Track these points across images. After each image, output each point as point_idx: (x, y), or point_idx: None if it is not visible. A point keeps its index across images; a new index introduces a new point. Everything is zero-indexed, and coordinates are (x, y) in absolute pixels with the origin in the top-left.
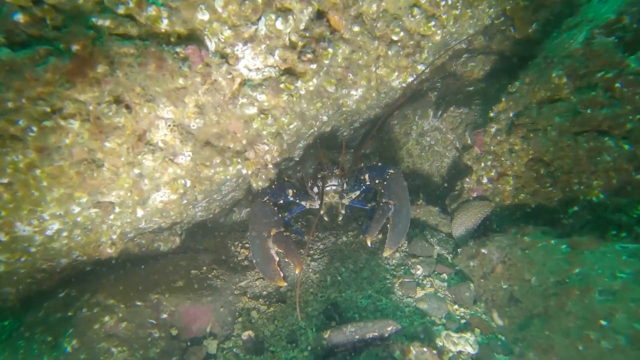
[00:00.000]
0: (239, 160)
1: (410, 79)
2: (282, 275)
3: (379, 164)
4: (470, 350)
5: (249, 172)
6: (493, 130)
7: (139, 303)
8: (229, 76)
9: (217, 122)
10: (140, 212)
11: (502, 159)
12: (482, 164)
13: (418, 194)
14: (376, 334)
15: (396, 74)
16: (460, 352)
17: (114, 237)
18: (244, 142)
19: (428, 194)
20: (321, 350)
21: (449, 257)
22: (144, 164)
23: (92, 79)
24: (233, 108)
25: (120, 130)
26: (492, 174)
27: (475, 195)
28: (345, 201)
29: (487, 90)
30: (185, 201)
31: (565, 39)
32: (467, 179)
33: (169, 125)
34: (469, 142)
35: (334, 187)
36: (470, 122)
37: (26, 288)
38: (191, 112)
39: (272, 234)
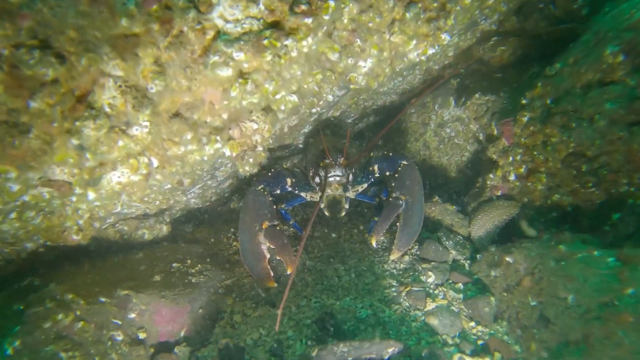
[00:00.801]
0: (219, 138)
1: (431, 51)
2: (272, 275)
3: (390, 154)
4: None
5: (233, 154)
6: (525, 119)
7: (103, 299)
8: (198, 26)
9: (189, 88)
10: (91, 195)
11: (535, 152)
12: (510, 158)
13: (433, 191)
14: (373, 356)
15: (414, 42)
16: None
17: (81, 222)
18: (225, 116)
19: (445, 191)
20: None
21: (465, 264)
22: (84, 132)
23: (1, 9)
24: (204, 69)
25: (51, 87)
26: (522, 170)
27: (499, 193)
28: (350, 194)
29: (518, 78)
30: (154, 184)
31: (625, 10)
32: (491, 175)
33: (119, 86)
34: (495, 132)
35: (338, 178)
36: (498, 110)
37: None
38: (148, 71)
39: (263, 227)
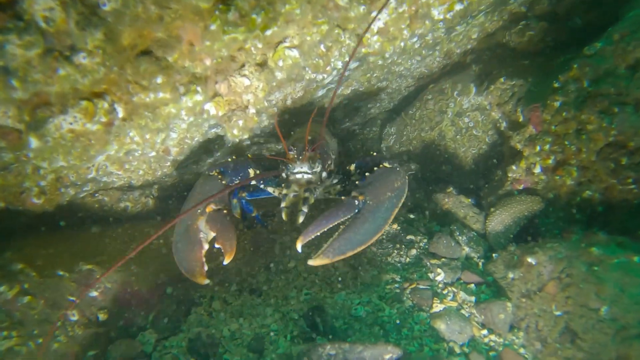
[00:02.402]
0: (199, 89)
1: (458, 7)
2: (205, 269)
3: (374, 154)
4: None
5: (219, 114)
6: (557, 104)
7: (61, 273)
8: None
9: (160, 18)
10: (34, 142)
11: (566, 142)
12: (537, 148)
13: (447, 183)
14: None
15: None
16: None
17: (43, 183)
18: (208, 62)
19: (459, 185)
20: None
21: (479, 263)
22: (7, 49)
23: None
24: None
25: None
26: (549, 161)
27: (521, 187)
28: (319, 195)
29: (547, 65)
30: (135, 149)
31: None
32: (514, 167)
33: None
34: (520, 119)
35: (305, 176)
36: (524, 95)
37: None
38: None
39: (207, 210)
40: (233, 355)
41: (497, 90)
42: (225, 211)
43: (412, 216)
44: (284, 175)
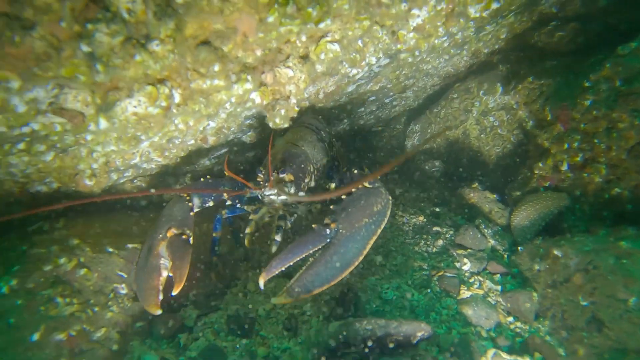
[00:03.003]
0: (250, 78)
1: (495, 5)
2: (159, 299)
3: (355, 172)
4: None
5: (264, 102)
6: (587, 102)
7: (110, 250)
8: None
9: (221, 10)
10: (103, 123)
11: (595, 140)
12: (565, 145)
13: (473, 178)
14: (400, 338)
15: None
16: None
17: (95, 166)
18: (259, 53)
19: (484, 182)
20: (323, 347)
21: (505, 255)
22: (96, 37)
23: None
24: None
25: None
26: (578, 158)
27: (547, 184)
28: (301, 212)
29: (576, 65)
30: (176, 136)
31: None
32: (540, 164)
33: None
34: (549, 117)
35: (274, 198)
36: (553, 94)
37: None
38: None
39: (168, 234)
40: (269, 333)
41: (525, 89)
42: (184, 236)
43: (437, 210)
44: (258, 195)
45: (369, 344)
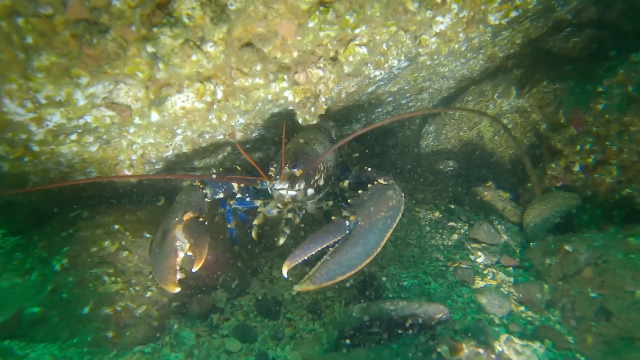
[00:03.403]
0: (286, 77)
1: (514, 13)
2: (177, 278)
3: (369, 169)
4: None
5: (296, 100)
6: (600, 106)
7: (147, 235)
8: None
9: (264, 16)
10: (154, 116)
11: (607, 142)
12: (578, 147)
13: (486, 178)
14: (420, 319)
15: (498, 1)
16: None
17: (134, 157)
18: (295, 54)
19: (497, 182)
20: (347, 327)
21: (517, 250)
22: (160, 39)
23: None
24: None
25: None
26: (589, 160)
27: (560, 184)
28: (310, 209)
29: (590, 71)
30: (208, 131)
31: None
32: (553, 165)
33: None
34: (562, 120)
35: (285, 192)
36: (567, 99)
37: (40, 201)
38: None
39: (185, 218)
40: (294, 315)
41: (539, 93)
42: (201, 219)
43: (452, 206)
44: (268, 189)
45: (393, 320)
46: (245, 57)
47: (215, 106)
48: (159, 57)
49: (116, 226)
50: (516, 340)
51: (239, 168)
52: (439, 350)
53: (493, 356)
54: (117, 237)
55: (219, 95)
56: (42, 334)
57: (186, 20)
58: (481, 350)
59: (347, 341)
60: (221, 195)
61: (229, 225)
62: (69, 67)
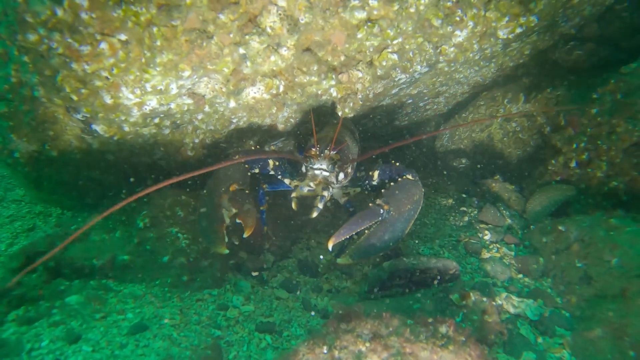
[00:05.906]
0: (334, 76)
1: (519, 30)
2: (225, 241)
3: (397, 164)
4: (530, 316)
5: (338, 96)
6: (594, 111)
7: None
8: None
9: (322, 28)
10: (232, 103)
11: (598, 141)
12: (574, 145)
13: (495, 173)
14: (436, 273)
15: (506, 20)
16: (518, 315)
17: (197, 140)
18: (342, 58)
19: (504, 177)
20: (377, 282)
21: (519, 232)
22: (251, 44)
23: None
24: (342, 11)
25: (235, 6)
26: (584, 157)
27: (559, 178)
28: (333, 192)
29: (589, 80)
30: (274, 109)
31: None
32: (553, 161)
33: (280, 13)
34: (562, 123)
35: (323, 173)
36: (567, 104)
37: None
38: (302, 5)
39: (231, 189)
40: (331, 276)
41: (544, 98)
42: (247, 191)
43: (464, 195)
44: (302, 169)
45: (415, 272)
46: (305, 59)
47: (277, 97)
48: (247, 57)
49: (183, 197)
50: (514, 297)
51: (273, 148)
52: (450, 297)
53: (494, 304)
54: (185, 205)
55: (282, 88)
56: (131, 277)
57: (269, 31)
58: (485, 299)
59: (376, 290)
60: (256, 171)
61: (261, 208)
62: (179, 62)
